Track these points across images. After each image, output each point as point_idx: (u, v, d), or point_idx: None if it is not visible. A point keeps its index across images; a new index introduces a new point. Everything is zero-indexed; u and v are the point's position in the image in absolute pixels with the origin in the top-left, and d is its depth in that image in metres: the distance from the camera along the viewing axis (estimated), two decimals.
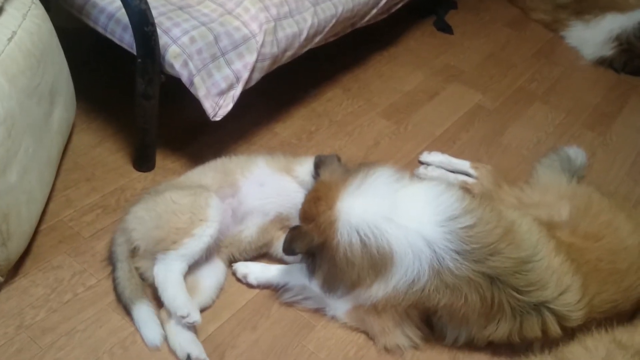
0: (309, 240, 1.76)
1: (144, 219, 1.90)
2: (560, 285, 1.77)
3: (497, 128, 2.95)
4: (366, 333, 1.93)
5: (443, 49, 3.47)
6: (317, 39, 2.51)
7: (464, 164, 2.60)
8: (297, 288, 1.97)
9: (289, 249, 1.78)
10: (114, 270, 1.91)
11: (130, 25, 2.04)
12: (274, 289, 2.01)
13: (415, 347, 1.90)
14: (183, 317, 1.75)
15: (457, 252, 1.70)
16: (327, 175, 1.85)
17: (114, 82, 2.65)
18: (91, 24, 2.22)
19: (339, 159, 1.96)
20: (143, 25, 1.99)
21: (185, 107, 2.56)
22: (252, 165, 2.09)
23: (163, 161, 2.39)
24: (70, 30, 2.22)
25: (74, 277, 1.93)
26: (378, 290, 1.76)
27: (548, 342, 1.83)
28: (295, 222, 1.91)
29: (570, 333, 1.82)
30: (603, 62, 3.61)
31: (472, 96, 3.13)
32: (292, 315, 1.96)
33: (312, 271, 1.83)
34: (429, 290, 1.73)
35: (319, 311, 1.97)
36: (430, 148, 2.69)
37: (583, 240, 1.90)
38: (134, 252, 1.91)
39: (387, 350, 1.88)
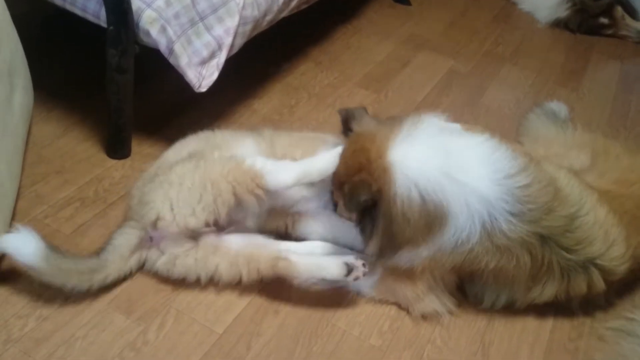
0: (368, 187, 1.55)
1: (175, 199, 1.62)
2: (607, 239, 1.68)
3: (475, 91, 2.89)
4: (397, 304, 1.77)
5: (404, 20, 3.39)
6: (293, 3, 2.34)
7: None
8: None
9: (352, 201, 1.58)
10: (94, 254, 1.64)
11: None
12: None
13: (451, 312, 1.77)
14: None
15: (512, 214, 1.57)
16: (364, 127, 1.68)
17: (71, 67, 2.41)
18: None
19: (365, 109, 1.79)
20: None
21: (156, 88, 2.34)
22: (238, 143, 1.87)
23: (139, 147, 2.15)
24: (16, 17, 1.94)
25: None
26: (423, 251, 1.61)
27: (589, 301, 1.77)
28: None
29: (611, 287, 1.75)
30: (559, 24, 3.63)
31: (444, 62, 3.05)
32: (314, 293, 1.76)
33: (368, 233, 1.63)
34: (477, 252, 1.59)
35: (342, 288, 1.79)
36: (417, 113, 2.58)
37: (617, 187, 1.81)
38: (141, 253, 1.68)
39: (424, 317, 1.74)
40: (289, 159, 1.81)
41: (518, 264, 1.61)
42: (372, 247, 1.64)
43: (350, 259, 1.64)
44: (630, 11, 3.61)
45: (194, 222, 1.61)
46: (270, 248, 1.69)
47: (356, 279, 1.64)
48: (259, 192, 1.64)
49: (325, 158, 1.67)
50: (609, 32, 3.60)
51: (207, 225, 1.64)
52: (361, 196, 1.57)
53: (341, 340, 1.67)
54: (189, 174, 1.64)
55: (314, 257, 1.67)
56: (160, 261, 1.65)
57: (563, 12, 3.60)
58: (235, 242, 1.68)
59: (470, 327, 1.75)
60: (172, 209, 1.60)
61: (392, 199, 1.55)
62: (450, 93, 2.83)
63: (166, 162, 1.82)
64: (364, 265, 1.63)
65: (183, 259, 1.64)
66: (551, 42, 3.49)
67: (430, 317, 1.75)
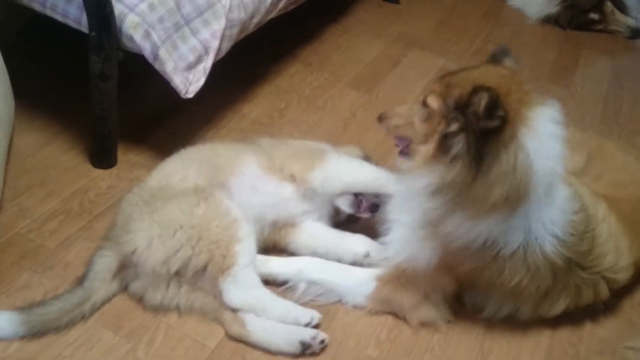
0: (504, 112, 1.35)
1: (157, 240, 1.55)
2: (618, 251, 1.66)
3: None
4: (393, 314, 1.73)
5: (394, 18, 3.35)
6: (281, 4, 2.30)
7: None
8: (303, 285, 1.72)
9: (490, 114, 1.34)
10: (77, 283, 1.60)
11: None
12: (276, 285, 1.75)
13: (448, 321, 1.72)
14: (308, 324, 1.55)
15: (556, 237, 1.53)
16: (517, 72, 1.51)
17: (52, 74, 2.34)
18: (25, 2, 1.89)
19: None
20: None
21: (142, 94, 2.28)
22: (241, 161, 1.78)
23: (125, 155, 2.09)
24: None
25: (46, 296, 1.62)
26: (457, 227, 1.46)
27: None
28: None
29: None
30: (549, 20, 3.60)
31: (435, 60, 3.01)
32: (308, 305, 1.72)
33: (451, 157, 1.41)
34: (505, 263, 1.52)
35: None
36: None
37: (614, 190, 1.78)
38: (120, 273, 1.62)
39: (422, 324, 1.69)
40: (287, 172, 1.78)
41: (538, 282, 1.58)
42: (445, 172, 1.42)
43: (308, 336, 1.56)
44: (620, 6, 3.58)
45: (164, 270, 1.55)
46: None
47: (312, 354, 1.59)
48: (214, 283, 1.58)
49: (288, 314, 1.59)
50: (599, 27, 3.58)
51: (177, 274, 1.58)
52: (500, 111, 1.34)
53: (337, 351, 1.62)
54: (180, 219, 1.57)
55: (270, 329, 1.57)
56: (133, 285, 1.61)
57: (553, 8, 3.57)
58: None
59: (468, 334, 1.71)
60: (149, 248, 1.55)
61: (514, 144, 1.37)
62: None
63: (167, 185, 1.71)
64: (322, 342, 1.58)
65: (152, 292, 1.59)
66: (542, 39, 3.46)
67: (427, 325, 1.70)
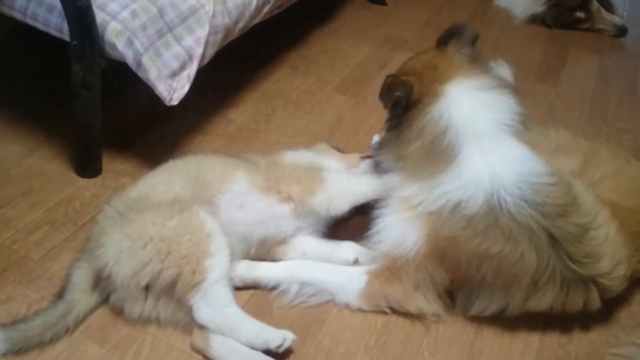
0: (410, 91, 1.64)
1: (126, 253, 1.53)
2: (615, 258, 1.64)
3: None
4: (383, 314, 1.72)
5: (381, 20, 3.34)
6: (265, 9, 2.28)
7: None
8: (295, 287, 1.72)
9: (387, 94, 1.68)
10: (58, 297, 1.59)
11: (57, 4, 1.73)
12: (267, 289, 1.75)
13: (438, 314, 1.72)
14: (280, 346, 1.50)
15: (525, 200, 1.57)
16: (455, 51, 1.71)
17: (34, 84, 2.32)
18: (5, 10, 1.87)
19: (477, 36, 1.78)
20: None
21: (126, 101, 2.26)
22: (230, 178, 1.75)
23: (110, 163, 2.07)
24: None
25: (30, 308, 1.60)
26: (418, 192, 1.63)
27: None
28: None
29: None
30: (535, 19, 3.60)
31: None
32: (297, 311, 1.71)
33: (388, 129, 1.74)
34: (477, 227, 1.57)
35: (326, 302, 1.74)
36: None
37: (618, 196, 1.76)
38: (99, 285, 1.60)
39: (414, 315, 1.70)
40: (284, 194, 1.76)
41: (522, 260, 1.57)
42: (384, 138, 1.76)
43: None
44: (606, 5, 3.59)
45: (133, 284, 1.53)
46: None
47: None
48: (183, 298, 1.54)
49: (255, 338, 1.52)
50: (586, 26, 3.58)
51: (147, 288, 1.55)
52: (396, 91, 1.65)
53: (327, 358, 1.61)
54: (150, 232, 1.53)
55: (233, 349, 1.53)
56: (113, 297, 1.59)
57: (539, 8, 3.58)
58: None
59: (458, 338, 1.70)
60: (118, 262, 1.52)
61: (423, 113, 1.63)
62: None
63: (147, 196, 1.68)
64: None
65: (130, 305, 1.57)
66: (528, 38, 3.46)
67: (419, 317, 1.71)
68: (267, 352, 1.52)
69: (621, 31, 3.55)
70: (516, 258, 1.57)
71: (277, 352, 1.52)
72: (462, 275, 1.66)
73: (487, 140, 1.62)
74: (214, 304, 1.52)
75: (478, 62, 1.73)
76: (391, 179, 1.73)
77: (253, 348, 1.51)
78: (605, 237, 1.63)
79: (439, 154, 1.62)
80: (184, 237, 1.53)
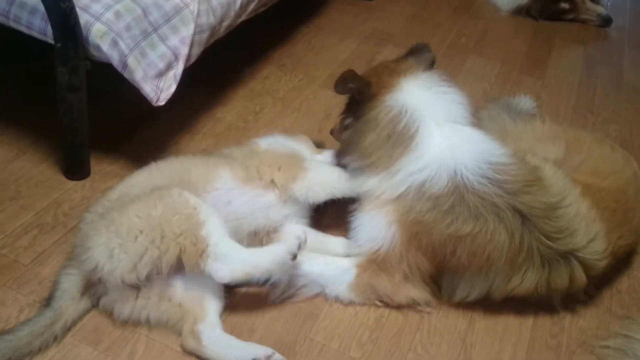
0: (365, 84, 1.74)
1: (117, 250, 1.51)
2: (589, 232, 1.67)
3: None
4: (375, 310, 1.73)
5: (366, 16, 3.35)
6: (250, 7, 2.28)
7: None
8: (285, 280, 1.72)
9: (342, 85, 1.76)
10: (45, 305, 1.58)
11: (39, 7, 1.72)
12: (258, 286, 1.75)
13: (428, 303, 1.74)
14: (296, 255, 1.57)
15: (487, 178, 1.62)
16: (411, 61, 1.85)
17: (19, 87, 2.30)
18: None
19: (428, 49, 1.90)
20: (58, 1, 1.66)
21: (113, 102, 2.25)
22: (214, 177, 1.75)
23: (98, 165, 2.06)
24: None
25: (22, 312, 1.59)
26: (381, 182, 1.69)
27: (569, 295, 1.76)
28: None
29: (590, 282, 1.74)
30: (520, 11, 3.63)
31: None
32: (289, 308, 1.72)
33: (346, 124, 1.83)
34: (444, 206, 1.60)
35: (318, 297, 1.74)
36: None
37: (595, 179, 1.80)
38: (88, 290, 1.59)
39: (406, 305, 1.72)
40: (267, 178, 1.77)
41: (493, 239, 1.60)
42: (344, 136, 1.84)
43: (262, 355, 1.51)
44: None
45: (133, 278, 1.52)
46: (191, 318, 1.58)
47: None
48: (197, 270, 1.54)
49: (277, 255, 1.56)
50: (570, 17, 3.61)
51: (149, 278, 1.55)
52: (349, 82, 1.75)
53: (320, 354, 1.61)
54: (138, 224, 1.52)
55: (226, 344, 1.53)
56: (103, 300, 1.58)
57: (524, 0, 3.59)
58: (177, 297, 1.60)
59: (450, 331, 1.72)
60: (111, 260, 1.51)
61: (377, 103, 1.71)
62: None
63: (126, 194, 1.67)
64: None
65: (120, 306, 1.57)
66: (514, 30, 3.48)
67: (411, 306, 1.73)
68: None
69: (606, 21, 3.57)
70: (487, 237, 1.60)
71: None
72: (439, 261, 1.68)
73: (443, 122, 1.70)
74: (228, 259, 1.53)
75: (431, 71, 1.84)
76: (358, 180, 1.77)
77: (277, 268, 1.57)
78: (577, 213, 1.67)
79: (396, 138, 1.68)
80: (172, 218, 1.54)
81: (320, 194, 1.80)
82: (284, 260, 1.55)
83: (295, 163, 1.81)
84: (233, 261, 1.54)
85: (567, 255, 1.65)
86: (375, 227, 1.70)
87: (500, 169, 1.64)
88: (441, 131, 1.68)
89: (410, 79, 1.75)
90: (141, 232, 1.52)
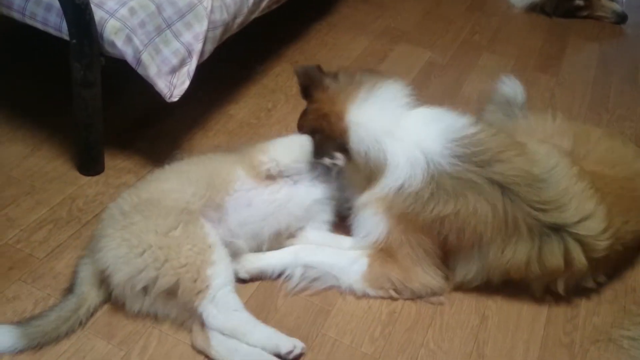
0: (333, 139, 1.76)
1: (122, 259, 1.53)
2: (582, 210, 1.67)
3: (454, 81, 2.84)
4: (388, 304, 1.73)
5: (379, 13, 3.34)
6: (263, 4, 2.28)
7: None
8: (299, 271, 1.75)
9: (321, 152, 1.78)
10: (68, 292, 1.60)
11: (55, 3, 1.73)
12: (273, 279, 1.76)
13: (443, 289, 1.75)
14: (290, 352, 1.51)
15: (457, 157, 1.66)
16: (321, 93, 1.82)
17: (34, 83, 2.32)
18: (4, 10, 1.87)
19: (320, 69, 1.85)
20: None
21: (127, 98, 2.26)
22: (233, 180, 1.74)
23: (112, 161, 2.08)
24: None
25: (37, 306, 1.61)
26: (369, 195, 1.74)
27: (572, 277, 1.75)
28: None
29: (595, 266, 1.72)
30: (534, 8, 3.60)
31: (422, 54, 3.01)
32: (301, 303, 1.72)
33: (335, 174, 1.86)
34: (425, 196, 1.65)
35: (330, 292, 1.75)
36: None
37: (601, 167, 1.79)
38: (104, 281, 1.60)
39: (418, 294, 1.75)
40: (258, 167, 1.77)
41: (476, 212, 1.63)
42: (344, 180, 1.87)
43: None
44: None
45: (128, 288, 1.54)
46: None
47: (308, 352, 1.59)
48: (189, 307, 1.54)
49: (265, 334, 1.55)
50: (585, 13, 3.58)
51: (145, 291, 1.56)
52: (329, 147, 1.76)
53: (332, 350, 1.61)
54: (150, 239, 1.53)
55: (233, 348, 1.52)
56: (114, 294, 1.59)
57: None
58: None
59: (463, 327, 1.71)
60: (114, 266, 1.53)
61: (350, 150, 1.74)
62: (430, 85, 2.79)
63: (157, 201, 1.64)
64: None
65: (130, 302, 1.58)
66: (528, 27, 3.45)
67: (424, 305, 1.74)
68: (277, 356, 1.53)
69: (621, 18, 3.54)
70: (470, 212, 1.64)
71: (287, 358, 1.53)
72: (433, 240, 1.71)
73: (397, 127, 1.72)
74: (224, 309, 1.53)
75: (342, 78, 1.83)
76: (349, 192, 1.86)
77: (265, 349, 1.52)
78: (565, 189, 1.67)
79: (374, 170, 1.73)
80: (184, 247, 1.54)
81: (287, 160, 1.80)
82: (270, 350, 1.52)
83: (266, 143, 1.84)
84: (229, 316, 1.54)
85: (557, 230, 1.66)
86: (367, 222, 1.75)
87: (466, 142, 1.67)
88: (401, 136, 1.70)
89: (352, 112, 1.74)
90: (150, 247, 1.53)
